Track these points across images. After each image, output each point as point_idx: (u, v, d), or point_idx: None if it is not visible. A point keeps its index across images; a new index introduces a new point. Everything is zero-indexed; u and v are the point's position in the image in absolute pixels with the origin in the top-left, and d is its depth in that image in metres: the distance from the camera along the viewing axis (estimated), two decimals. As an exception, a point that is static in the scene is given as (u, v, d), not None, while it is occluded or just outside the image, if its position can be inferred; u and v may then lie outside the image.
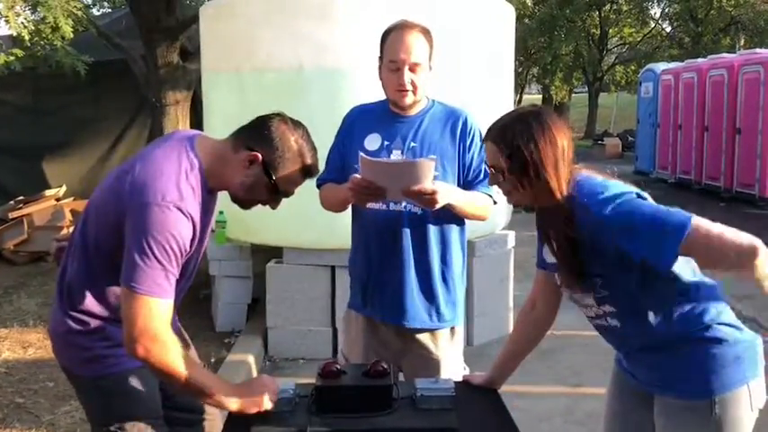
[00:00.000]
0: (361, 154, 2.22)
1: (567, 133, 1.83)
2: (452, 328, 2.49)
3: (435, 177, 2.18)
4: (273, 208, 2.00)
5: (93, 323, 1.94)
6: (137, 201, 1.77)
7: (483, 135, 2.41)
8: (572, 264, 1.83)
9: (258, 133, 1.91)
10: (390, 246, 2.38)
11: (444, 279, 2.44)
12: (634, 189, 1.79)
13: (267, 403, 1.83)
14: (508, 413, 1.96)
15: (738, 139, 11.60)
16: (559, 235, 1.82)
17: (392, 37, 2.34)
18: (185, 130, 2.06)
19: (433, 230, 2.39)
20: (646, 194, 1.79)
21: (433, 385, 1.93)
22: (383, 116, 2.45)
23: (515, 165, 1.79)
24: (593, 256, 1.80)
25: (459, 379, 2.22)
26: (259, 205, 2.01)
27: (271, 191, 1.93)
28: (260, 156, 1.88)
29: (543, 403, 4.03)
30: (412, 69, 2.32)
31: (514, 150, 1.79)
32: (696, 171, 12.98)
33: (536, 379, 4.20)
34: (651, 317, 1.83)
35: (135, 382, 1.97)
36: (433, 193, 2.16)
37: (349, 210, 2.51)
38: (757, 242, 1.62)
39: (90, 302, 1.92)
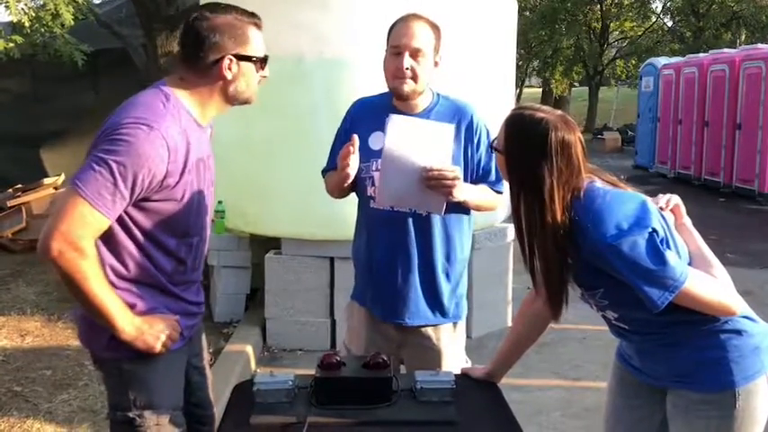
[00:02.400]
0: (392, 116, 2.22)
1: (577, 148, 1.77)
2: (455, 323, 2.48)
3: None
4: (265, 75, 2.01)
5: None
6: (109, 123, 1.78)
7: (489, 131, 2.41)
8: (559, 282, 1.80)
9: (200, 46, 1.89)
10: (395, 245, 2.36)
11: (448, 276, 2.42)
12: (648, 220, 1.71)
13: (161, 341, 1.86)
14: (508, 406, 1.96)
15: (738, 134, 11.59)
16: (549, 249, 1.79)
17: (398, 26, 2.32)
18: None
19: (437, 229, 2.36)
20: (657, 226, 1.72)
21: (433, 378, 1.93)
22: (387, 113, 2.37)
23: (514, 176, 1.81)
24: (591, 271, 1.77)
25: (460, 372, 2.21)
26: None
27: (257, 65, 1.96)
28: (228, 55, 1.89)
29: (541, 397, 4.03)
30: (413, 55, 2.27)
31: (516, 163, 1.80)
32: (696, 166, 12.97)
33: (534, 372, 4.21)
34: (660, 320, 1.79)
35: (159, 368, 1.92)
36: (455, 177, 2.14)
37: (348, 201, 2.50)
38: (736, 308, 1.78)
39: (110, 276, 1.85)
